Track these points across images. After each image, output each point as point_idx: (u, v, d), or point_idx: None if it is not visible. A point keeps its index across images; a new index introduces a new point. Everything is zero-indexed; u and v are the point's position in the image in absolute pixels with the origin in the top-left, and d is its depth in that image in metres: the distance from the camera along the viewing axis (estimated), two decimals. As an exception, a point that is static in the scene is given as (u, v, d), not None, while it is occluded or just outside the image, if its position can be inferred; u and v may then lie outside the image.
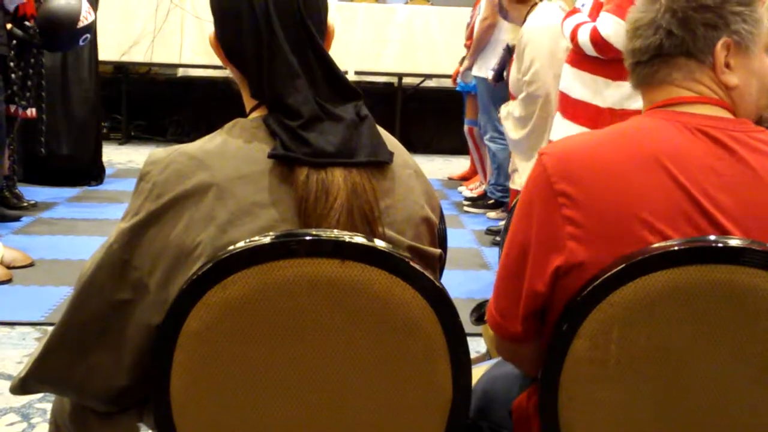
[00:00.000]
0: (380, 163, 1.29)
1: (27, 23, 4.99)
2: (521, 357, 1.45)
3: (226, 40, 1.33)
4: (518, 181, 4.54)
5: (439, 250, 1.38)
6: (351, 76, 7.44)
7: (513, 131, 4.45)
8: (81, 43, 5.32)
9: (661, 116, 1.37)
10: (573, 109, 3.67)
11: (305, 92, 1.26)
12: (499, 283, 1.39)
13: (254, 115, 1.33)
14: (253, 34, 1.28)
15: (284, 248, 1.18)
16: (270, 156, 1.24)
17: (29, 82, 5.14)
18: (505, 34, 5.29)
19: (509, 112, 4.49)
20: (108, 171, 6.80)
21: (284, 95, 1.26)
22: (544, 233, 1.30)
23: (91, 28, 5.33)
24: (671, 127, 1.33)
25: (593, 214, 1.27)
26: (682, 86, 1.40)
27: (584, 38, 3.53)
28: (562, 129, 3.69)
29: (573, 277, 1.27)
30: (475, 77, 5.92)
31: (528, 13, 4.63)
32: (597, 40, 3.48)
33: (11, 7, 4.84)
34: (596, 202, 1.27)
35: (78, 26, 5.14)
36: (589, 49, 3.53)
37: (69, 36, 5.15)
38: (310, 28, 1.29)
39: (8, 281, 4.01)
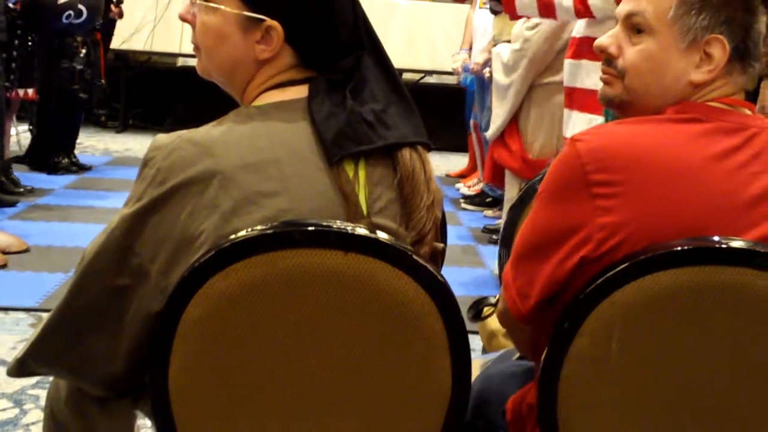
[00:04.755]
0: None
1: (9, 5, 5.00)
2: (522, 336, 1.43)
3: (307, 22, 1.32)
4: (492, 130, 4.38)
5: (442, 245, 1.37)
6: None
7: (499, 73, 4.35)
8: (65, 20, 5.28)
9: (703, 113, 1.34)
10: (580, 99, 3.64)
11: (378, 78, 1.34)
12: (519, 261, 1.35)
13: (262, 102, 1.32)
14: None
15: (287, 238, 1.17)
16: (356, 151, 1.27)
17: (13, 64, 5.13)
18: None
19: (498, 53, 4.38)
20: (105, 159, 6.79)
21: (368, 81, 1.31)
22: (573, 223, 1.27)
23: (74, 5, 5.30)
24: (717, 126, 1.31)
25: (638, 208, 1.24)
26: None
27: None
28: (574, 121, 3.66)
29: (592, 268, 1.25)
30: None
31: None
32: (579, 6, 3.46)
33: None
34: (642, 196, 1.24)
35: (58, 2, 5.13)
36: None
37: (50, 14, 5.13)
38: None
39: (3, 266, 4.00)
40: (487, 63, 5.93)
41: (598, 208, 1.25)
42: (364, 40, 1.35)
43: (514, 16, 3.83)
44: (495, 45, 4.83)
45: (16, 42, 5.15)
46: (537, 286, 1.31)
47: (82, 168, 6.32)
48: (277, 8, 1.29)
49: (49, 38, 5.65)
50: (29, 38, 5.30)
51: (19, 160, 6.11)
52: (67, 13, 5.26)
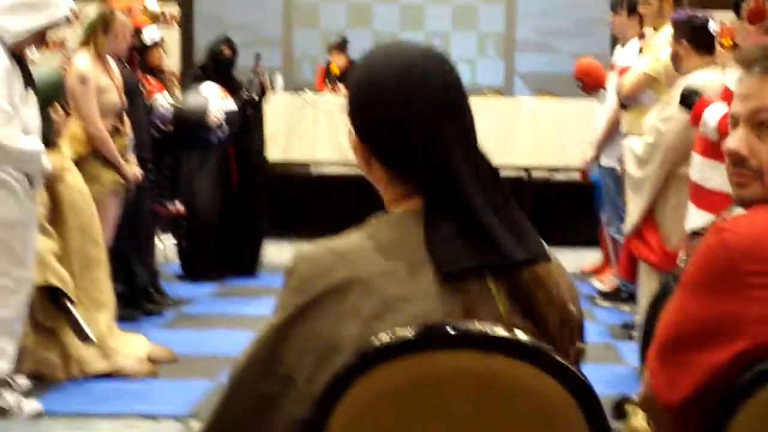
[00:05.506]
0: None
1: (159, 124, 5.31)
2: (668, 430, 1.39)
3: (385, 145, 1.35)
4: (628, 224, 4.31)
5: (581, 345, 1.37)
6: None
7: (632, 166, 4.30)
8: (210, 136, 5.55)
9: None
10: (709, 199, 3.57)
11: (479, 195, 1.32)
12: (667, 352, 1.34)
13: (399, 209, 1.37)
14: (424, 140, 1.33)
15: (428, 341, 1.20)
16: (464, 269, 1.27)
17: (161, 180, 5.42)
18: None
19: (630, 146, 4.34)
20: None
21: (465, 198, 1.31)
22: (727, 314, 1.25)
23: (217, 121, 5.56)
24: None
25: None
26: None
27: None
28: (700, 220, 3.59)
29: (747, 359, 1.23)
30: (601, 167, 5.86)
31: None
32: None
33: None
34: None
35: (207, 124, 5.41)
36: None
37: (197, 131, 5.41)
38: (472, 126, 1.38)
39: (153, 376, 4.15)
40: (605, 157, 5.86)
41: (752, 299, 1.24)
42: (459, 153, 1.35)
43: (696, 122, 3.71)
44: (624, 138, 4.81)
45: (163, 159, 5.46)
46: (690, 377, 1.29)
47: (223, 276, 6.54)
48: (363, 131, 1.37)
49: (194, 152, 5.98)
50: (175, 154, 5.60)
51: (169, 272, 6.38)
52: (215, 134, 5.55)
